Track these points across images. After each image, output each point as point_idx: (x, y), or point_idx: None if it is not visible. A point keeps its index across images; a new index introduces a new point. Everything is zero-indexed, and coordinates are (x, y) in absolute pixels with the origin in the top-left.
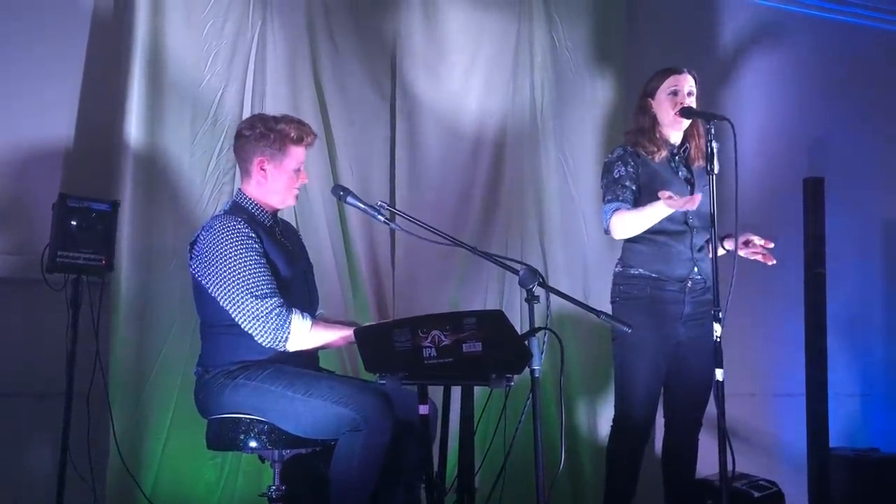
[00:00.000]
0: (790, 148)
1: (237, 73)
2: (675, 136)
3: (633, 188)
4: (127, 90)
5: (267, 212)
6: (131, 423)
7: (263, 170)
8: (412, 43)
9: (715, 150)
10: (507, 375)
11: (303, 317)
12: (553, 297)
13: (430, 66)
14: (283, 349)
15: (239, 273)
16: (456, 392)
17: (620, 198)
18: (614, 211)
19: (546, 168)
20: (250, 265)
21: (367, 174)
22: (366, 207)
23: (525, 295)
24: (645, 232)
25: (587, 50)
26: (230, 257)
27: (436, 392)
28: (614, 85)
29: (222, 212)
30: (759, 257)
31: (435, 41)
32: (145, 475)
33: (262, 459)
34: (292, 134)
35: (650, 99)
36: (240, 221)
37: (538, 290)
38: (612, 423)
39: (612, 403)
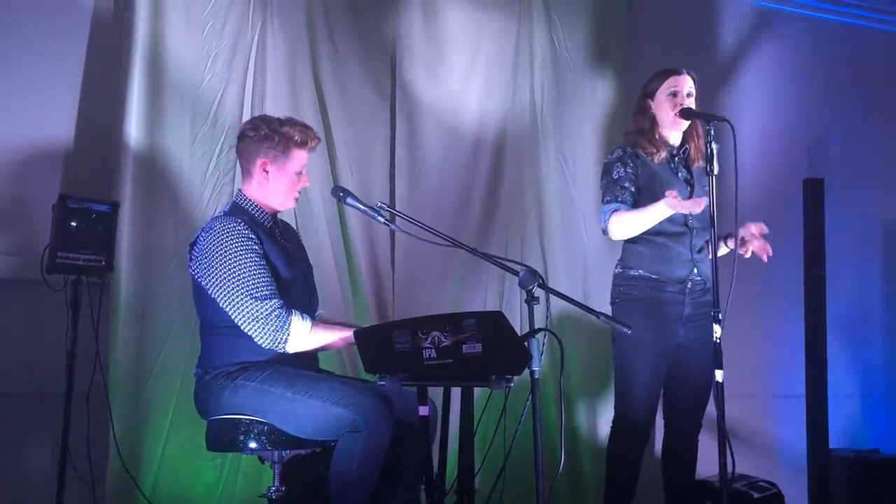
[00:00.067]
0: (790, 149)
1: (237, 73)
2: (675, 137)
3: (632, 189)
4: (127, 91)
5: (267, 213)
6: (131, 424)
7: (266, 171)
8: (412, 43)
9: (714, 151)
10: (507, 376)
11: (302, 318)
12: (553, 298)
13: (430, 66)
14: (282, 351)
15: (239, 274)
16: (456, 393)
17: (619, 198)
18: (613, 212)
19: (546, 169)
20: (250, 267)
21: (367, 174)
22: (365, 209)
23: (525, 296)
24: (645, 233)
25: (587, 50)
26: (230, 259)
27: (436, 393)
28: (614, 85)
29: (222, 213)
30: (756, 247)
31: (435, 41)
32: (145, 476)
33: (262, 460)
34: (297, 137)
35: (649, 100)
36: (240, 223)
37: (538, 292)
38: (611, 424)
39: (612, 404)
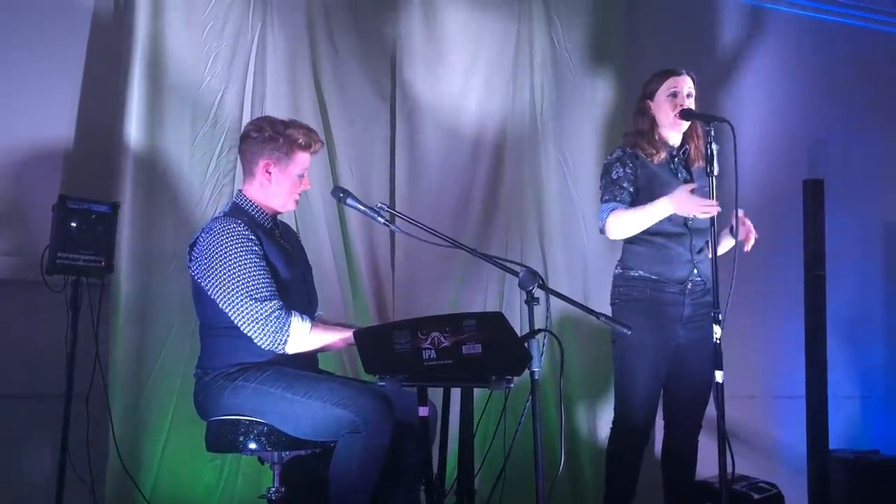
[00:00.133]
0: (790, 149)
1: (237, 74)
2: (675, 138)
3: (631, 189)
4: (127, 91)
5: (267, 214)
6: (131, 425)
7: (269, 172)
8: (412, 43)
9: (715, 152)
10: (507, 377)
11: (302, 319)
12: (553, 298)
13: (430, 66)
14: (282, 351)
15: (238, 275)
16: (456, 394)
17: (618, 198)
18: (611, 211)
19: (546, 169)
20: (250, 268)
21: (367, 175)
22: (365, 209)
23: (525, 297)
24: (644, 234)
25: (587, 51)
26: (230, 260)
27: (435, 394)
28: (614, 86)
29: (222, 214)
30: (742, 235)
31: (435, 42)
32: (145, 477)
33: (262, 461)
34: (301, 140)
35: (649, 101)
36: (240, 224)
37: (538, 292)
38: (611, 425)
39: (612, 405)
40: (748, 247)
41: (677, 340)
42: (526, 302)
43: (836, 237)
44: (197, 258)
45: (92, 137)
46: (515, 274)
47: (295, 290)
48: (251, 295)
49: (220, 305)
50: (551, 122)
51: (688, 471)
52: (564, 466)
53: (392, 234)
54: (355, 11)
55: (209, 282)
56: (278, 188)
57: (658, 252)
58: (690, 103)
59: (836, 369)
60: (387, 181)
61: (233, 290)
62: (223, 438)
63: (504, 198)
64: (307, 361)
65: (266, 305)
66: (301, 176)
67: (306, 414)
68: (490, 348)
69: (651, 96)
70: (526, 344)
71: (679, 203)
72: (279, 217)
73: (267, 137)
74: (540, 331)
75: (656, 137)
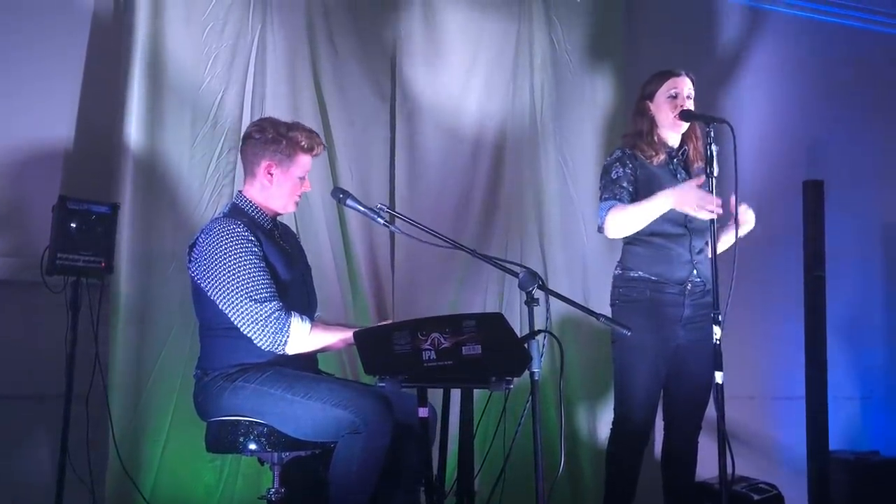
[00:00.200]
0: (790, 150)
1: (237, 75)
2: (674, 139)
3: (631, 189)
4: (127, 92)
5: (267, 215)
6: (130, 426)
7: (270, 174)
8: (412, 44)
9: (714, 154)
10: (507, 378)
11: (302, 320)
12: (553, 299)
13: (430, 67)
14: (282, 352)
15: (238, 276)
16: (455, 395)
17: (617, 196)
18: (610, 208)
19: (546, 170)
20: (249, 269)
21: (367, 175)
22: (365, 210)
23: (525, 297)
24: (644, 234)
25: (586, 51)
26: (229, 260)
27: (435, 395)
28: (614, 86)
29: (221, 215)
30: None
31: (434, 42)
32: (144, 478)
33: (262, 462)
34: (303, 142)
35: (648, 102)
36: (239, 224)
37: (538, 293)
38: (611, 426)
39: (612, 406)
40: (742, 228)
41: (677, 341)
42: (526, 303)
43: (836, 238)
44: (196, 259)
45: (92, 138)
46: (515, 275)
47: (294, 292)
48: (251, 296)
49: (220, 306)
50: (551, 123)
51: (688, 472)
52: (564, 468)
53: (392, 234)
54: (355, 12)
55: (209, 283)
56: (279, 190)
57: (658, 253)
58: (690, 104)
59: (836, 370)
60: (387, 182)
61: (232, 291)
62: (223, 439)
63: (504, 198)
64: (307, 362)
65: (266, 306)
66: (302, 178)
67: (306, 415)
68: (490, 349)
69: (650, 97)
70: (526, 345)
71: (680, 196)
72: (279, 218)
73: (270, 139)
74: (540, 332)
75: (655, 139)
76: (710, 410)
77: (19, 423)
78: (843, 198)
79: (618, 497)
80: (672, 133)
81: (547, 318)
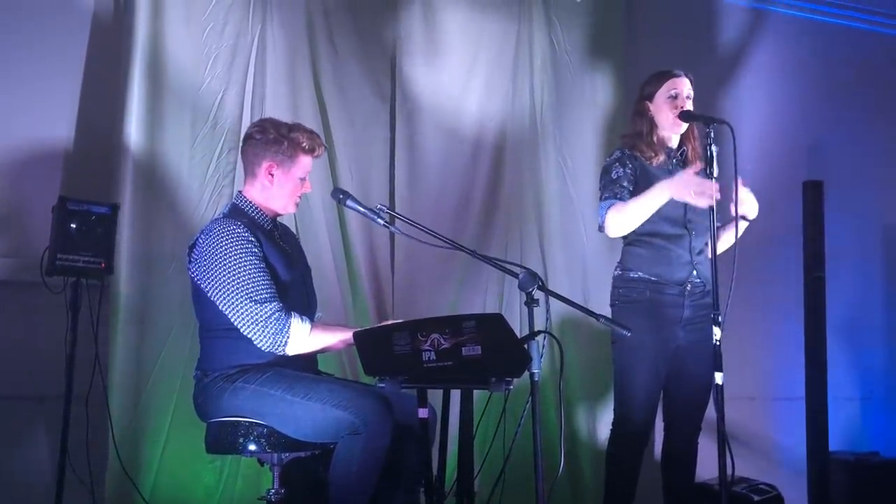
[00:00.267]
0: (790, 151)
1: (237, 75)
2: (673, 140)
3: (630, 189)
4: (127, 93)
5: (267, 216)
6: (130, 427)
7: (271, 174)
8: (412, 44)
9: (714, 154)
10: (507, 379)
11: (302, 320)
12: (553, 300)
13: (430, 67)
14: (282, 353)
15: (238, 277)
16: (455, 395)
17: (617, 195)
18: (610, 206)
19: (545, 170)
20: (249, 269)
21: (367, 176)
22: (365, 211)
23: (524, 298)
24: (644, 235)
25: (586, 52)
26: (229, 261)
27: (435, 395)
28: (614, 87)
29: (221, 215)
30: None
31: (434, 43)
32: (144, 478)
33: (262, 463)
34: (304, 143)
35: (648, 102)
36: (239, 225)
37: (538, 294)
38: (611, 427)
39: (612, 407)
40: (742, 208)
41: (677, 342)
42: (526, 303)
43: (836, 239)
44: (196, 260)
45: (92, 138)
46: (515, 275)
47: (294, 292)
48: (251, 297)
49: (220, 307)
50: (551, 124)
51: (687, 473)
52: (564, 468)
53: (392, 235)
54: (355, 12)
55: (209, 283)
56: (280, 190)
57: (657, 253)
58: (689, 105)
59: (836, 371)
60: (386, 182)
61: (232, 291)
62: (223, 440)
63: (504, 199)
64: (307, 363)
65: (266, 307)
66: (303, 179)
67: (306, 415)
68: (490, 350)
69: (650, 98)
70: (525, 345)
71: (678, 185)
72: (279, 219)
73: (271, 140)
74: (540, 332)
75: (655, 139)
76: (710, 411)
77: (19, 423)
78: (843, 198)
79: (618, 497)
80: (672, 133)
81: (547, 319)
